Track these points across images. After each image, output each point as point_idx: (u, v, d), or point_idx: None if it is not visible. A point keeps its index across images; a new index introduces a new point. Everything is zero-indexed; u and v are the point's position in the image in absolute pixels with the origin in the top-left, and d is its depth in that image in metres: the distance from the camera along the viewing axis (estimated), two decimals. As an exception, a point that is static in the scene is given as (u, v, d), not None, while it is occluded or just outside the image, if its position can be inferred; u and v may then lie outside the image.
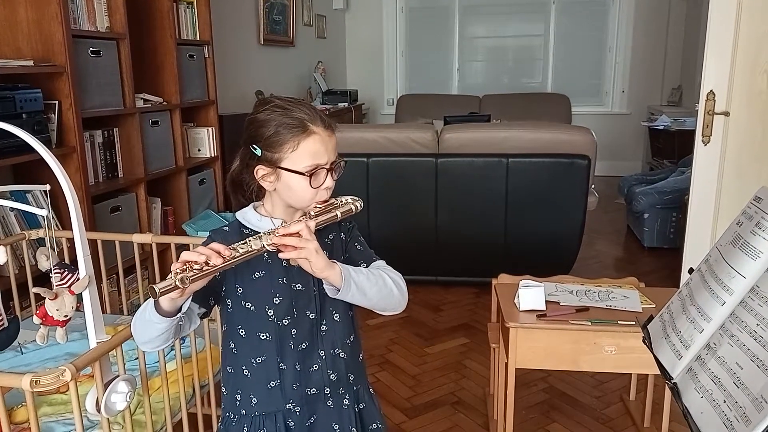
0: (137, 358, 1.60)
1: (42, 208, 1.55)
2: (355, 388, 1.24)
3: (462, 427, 2.27)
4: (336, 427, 1.21)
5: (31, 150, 1.44)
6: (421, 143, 3.36)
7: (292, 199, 1.13)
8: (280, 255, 1.05)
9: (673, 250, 3.90)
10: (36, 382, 1.11)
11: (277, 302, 1.14)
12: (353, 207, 1.13)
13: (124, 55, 2.92)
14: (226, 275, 1.12)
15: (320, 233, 1.11)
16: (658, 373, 0.92)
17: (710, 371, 0.81)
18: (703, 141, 2.73)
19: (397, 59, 7.39)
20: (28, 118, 2.35)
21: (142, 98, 3.15)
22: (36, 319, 1.61)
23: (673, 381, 0.87)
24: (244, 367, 1.18)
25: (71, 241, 1.73)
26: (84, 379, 1.61)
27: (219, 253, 0.99)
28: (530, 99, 6.73)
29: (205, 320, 1.23)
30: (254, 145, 1.11)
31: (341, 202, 1.13)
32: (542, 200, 3.26)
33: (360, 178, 3.34)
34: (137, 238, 2.11)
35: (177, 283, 0.95)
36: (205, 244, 1.05)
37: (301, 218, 1.10)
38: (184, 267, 0.97)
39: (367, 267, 1.18)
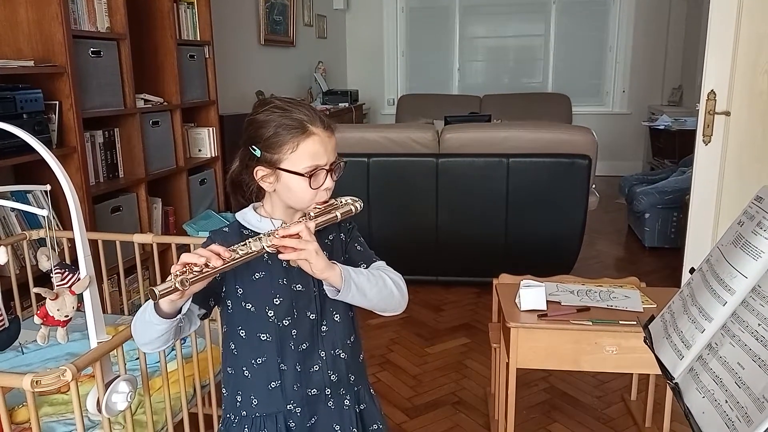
0: (138, 358, 1.60)
1: (43, 208, 1.55)
2: (355, 388, 1.24)
3: (463, 427, 2.26)
4: (337, 427, 1.21)
5: (32, 150, 1.44)
6: (422, 143, 3.36)
7: (292, 200, 1.13)
8: (280, 256, 1.04)
9: (674, 250, 3.89)
10: (37, 382, 1.11)
11: (277, 303, 1.14)
12: (353, 208, 1.13)
13: (125, 56, 2.93)
14: (226, 276, 1.12)
15: (320, 234, 1.11)
16: (660, 373, 0.92)
17: (712, 371, 0.80)
18: (703, 141, 2.72)
19: (397, 59, 7.39)
20: (28, 119, 2.35)
21: (142, 98, 3.15)
22: (37, 319, 1.61)
23: (674, 381, 0.87)
24: (244, 368, 1.18)
25: (72, 242, 1.73)
26: (85, 379, 1.61)
27: (219, 254, 0.99)
28: (531, 99, 6.73)
29: (206, 320, 1.23)
30: (254, 146, 1.11)
31: (341, 202, 1.13)
32: (543, 200, 3.26)
33: (360, 178, 3.34)
34: (138, 239, 2.11)
35: (177, 285, 0.95)
36: (204, 245, 1.05)
37: (300, 219, 1.09)
38: (184, 269, 0.97)
39: (367, 268, 1.18)
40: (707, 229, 2.80)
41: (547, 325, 1.83)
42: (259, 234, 1.08)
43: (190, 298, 1.03)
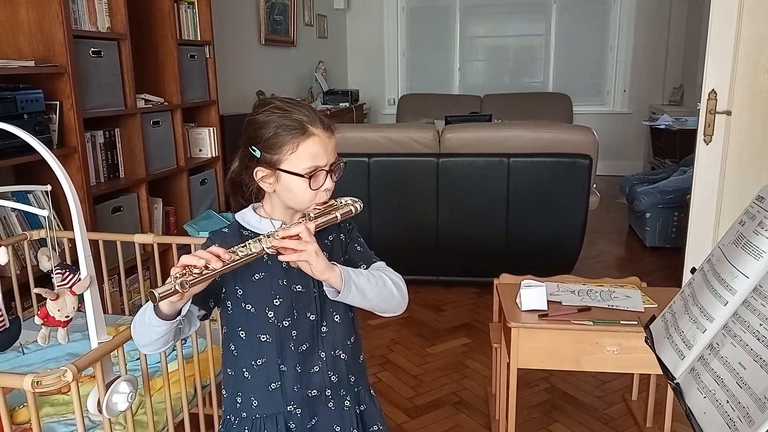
0: (139, 359, 1.60)
1: (43, 208, 1.55)
2: (356, 389, 1.24)
3: (464, 427, 2.26)
4: (337, 429, 1.21)
5: (33, 150, 1.44)
6: (423, 143, 3.35)
7: (292, 200, 1.13)
8: (280, 258, 1.04)
9: (675, 250, 3.89)
10: (37, 382, 1.11)
11: (277, 304, 1.14)
12: (353, 208, 1.13)
13: (125, 56, 2.93)
14: (225, 277, 1.12)
15: (320, 234, 1.10)
16: (661, 373, 0.92)
17: (713, 371, 0.80)
18: (704, 140, 2.72)
19: (398, 59, 7.39)
20: (29, 119, 2.35)
21: (143, 98, 3.15)
22: (37, 320, 1.61)
23: (675, 381, 0.87)
24: (244, 369, 1.18)
25: (73, 242, 1.73)
26: (85, 379, 1.61)
27: (219, 256, 0.99)
28: (531, 98, 6.73)
29: (207, 320, 1.23)
30: (253, 147, 1.11)
31: (341, 203, 1.13)
32: (544, 200, 3.25)
33: (361, 178, 3.33)
34: (139, 239, 2.11)
35: (177, 287, 0.95)
36: (204, 246, 1.05)
37: (300, 220, 1.09)
38: (184, 271, 0.97)
39: (367, 268, 1.18)
40: (708, 229, 2.80)
41: (547, 325, 1.83)
42: (258, 235, 1.08)
43: (190, 300, 1.03)
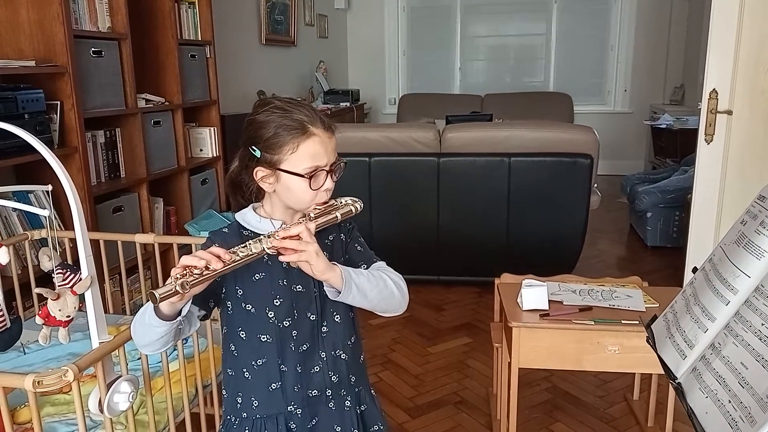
0: (140, 358, 1.60)
1: (44, 208, 1.55)
2: (356, 389, 1.24)
3: (465, 426, 2.26)
4: (338, 429, 1.20)
5: (33, 150, 1.44)
6: (423, 143, 3.35)
7: (292, 200, 1.13)
8: (281, 258, 1.04)
9: (676, 249, 3.89)
10: (39, 382, 1.11)
11: (277, 304, 1.14)
12: (353, 208, 1.13)
13: (126, 56, 2.93)
14: (225, 277, 1.11)
15: (320, 234, 1.10)
16: (662, 372, 0.92)
17: (715, 371, 0.80)
18: (705, 140, 2.72)
19: (398, 59, 7.39)
20: (30, 119, 2.35)
21: (143, 98, 3.15)
22: (38, 320, 1.61)
23: (677, 381, 0.86)
24: (244, 370, 1.18)
25: (73, 242, 1.73)
26: (87, 379, 1.61)
27: (219, 257, 0.98)
28: (532, 98, 6.72)
29: (208, 320, 1.22)
30: (253, 147, 1.11)
31: (341, 203, 1.13)
32: (544, 199, 3.25)
33: (362, 177, 3.33)
34: (139, 238, 2.11)
35: (177, 288, 0.95)
36: (204, 246, 1.05)
37: (300, 220, 1.09)
38: (184, 272, 0.97)
39: (367, 268, 1.18)
40: (709, 228, 2.79)
41: (549, 325, 1.83)
42: (258, 235, 1.08)
43: (190, 300, 1.03)
